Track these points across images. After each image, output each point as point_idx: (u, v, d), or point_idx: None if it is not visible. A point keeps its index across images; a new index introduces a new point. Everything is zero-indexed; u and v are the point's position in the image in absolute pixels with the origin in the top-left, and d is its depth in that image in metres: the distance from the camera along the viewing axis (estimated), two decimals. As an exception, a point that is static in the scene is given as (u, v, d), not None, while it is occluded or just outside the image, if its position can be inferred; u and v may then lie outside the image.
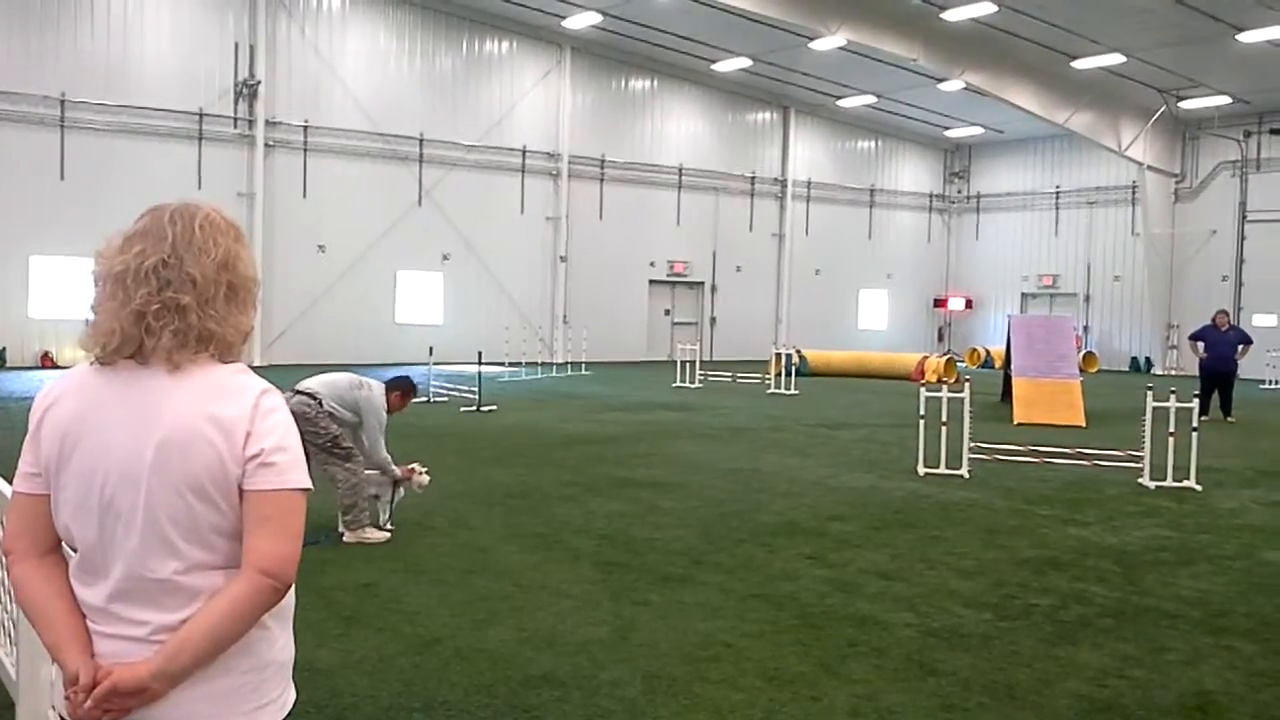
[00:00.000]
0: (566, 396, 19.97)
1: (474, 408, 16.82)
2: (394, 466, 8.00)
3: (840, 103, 35.01)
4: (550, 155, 31.01)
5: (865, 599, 6.45)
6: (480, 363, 19.02)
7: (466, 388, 18.82)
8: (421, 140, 28.53)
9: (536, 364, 25.93)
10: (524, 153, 30.42)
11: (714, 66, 31.72)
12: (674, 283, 34.03)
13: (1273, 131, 32.28)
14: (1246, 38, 25.05)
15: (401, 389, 8.24)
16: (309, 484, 2.08)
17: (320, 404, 7.71)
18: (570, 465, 11.46)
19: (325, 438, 7.63)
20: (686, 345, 25.76)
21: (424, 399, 18.34)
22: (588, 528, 8.30)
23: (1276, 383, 27.49)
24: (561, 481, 10.39)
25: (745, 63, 31.07)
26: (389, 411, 8.06)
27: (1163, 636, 5.85)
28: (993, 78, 29.66)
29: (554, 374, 25.63)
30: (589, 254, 31.53)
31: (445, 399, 18.20)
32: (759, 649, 5.46)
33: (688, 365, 23.61)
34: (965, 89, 30.06)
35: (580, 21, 28.25)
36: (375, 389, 7.99)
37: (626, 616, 5.97)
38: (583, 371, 26.29)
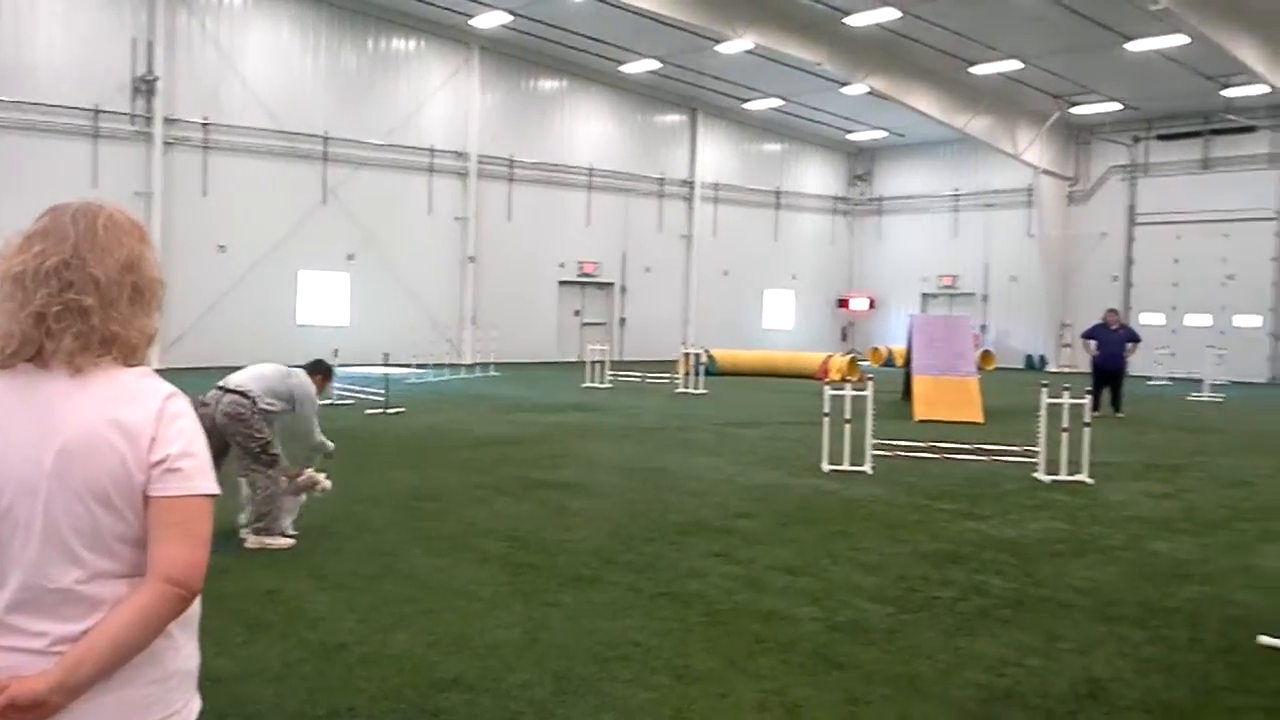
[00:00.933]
0: (475, 398, 19.84)
1: (380, 410, 16.61)
2: (328, 442, 8.16)
3: (747, 106, 35.40)
4: (458, 155, 30.77)
5: (772, 595, 6.55)
6: (387, 364, 18.79)
7: (373, 390, 18.58)
8: (326, 138, 28.06)
9: (444, 365, 25.68)
10: (432, 152, 30.13)
11: (623, 68, 31.81)
12: (584, 283, 34.04)
13: (1160, 137, 33.57)
14: (1134, 47, 25.99)
15: (322, 372, 8.42)
16: (216, 489, 2.05)
17: (255, 403, 7.64)
18: (479, 467, 11.39)
19: (257, 442, 7.60)
20: (596, 346, 25.79)
21: (329, 401, 18.06)
22: (496, 529, 8.27)
23: (1164, 379, 28.57)
24: (470, 483, 10.33)
25: (654, 65, 31.22)
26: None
27: (1057, 626, 6.05)
28: (895, 82, 30.30)
29: (462, 375, 25.44)
30: (498, 254, 31.36)
31: (351, 401, 17.94)
32: (668, 647, 5.51)
33: (597, 366, 23.64)
34: (869, 93, 30.64)
35: (489, 21, 28.08)
36: (303, 375, 8.06)
37: (536, 618, 5.97)
38: (492, 373, 26.15)
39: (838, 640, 5.68)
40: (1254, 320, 31.65)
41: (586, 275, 33.92)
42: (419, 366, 24.52)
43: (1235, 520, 9.44)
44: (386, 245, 29.16)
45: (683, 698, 4.81)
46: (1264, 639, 5.70)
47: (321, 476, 8.00)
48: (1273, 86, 25.98)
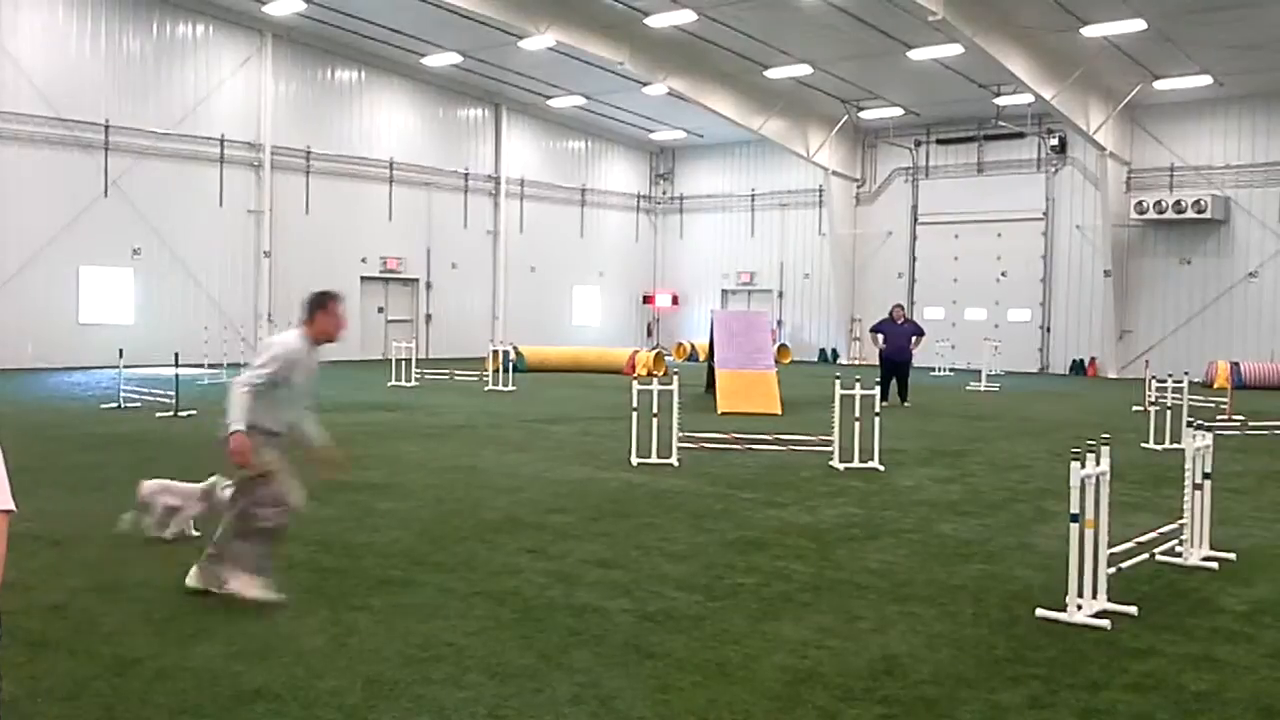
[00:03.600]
0: (274, 399, 19.15)
1: (170, 413, 15.83)
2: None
3: (551, 102, 35.45)
4: (251, 145, 29.59)
5: (585, 588, 6.62)
6: (177, 365, 17.94)
7: (162, 392, 17.66)
8: (107, 127, 26.45)
9: (239, 366, 24.61)
10: (222, 142, 28.85)
11: (424, 60, 31.30)
12: (387, 279, 33.32)
13: (939, 142, 35.56)
14: (916, 55, 27.42)
15: (315, 307, 6.61)
16: (12, 505, 1.95)
17: None
18: (280, 470, 11.02)
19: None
20: (402, 343, 25.30)
21: (115, 404, 17.10)
22: (300, 534, 8.01)
23: (946, 370, 30.32)
24: (271, 487, 9.98)
25: (456, 58, 30.85)
26: (321, 340, 6.69)
27: (855, 607, 6.36)
28: (694, 84, 30.98)
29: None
30: (295, 249, 30.31)
31: (138, 404, 17.02)
32: (482, 646, 5.50)
33: (403, 364, 23.22)
34: (669, 94, 31.20)
35: (282, 8, 27.08)
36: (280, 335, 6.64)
37: (345, 623, 5.85)
38: (291, 372, 25.24)
39: (649, 630, 5.80)
40: (1025, 314, 33.99)
41: (390, 271, 33.23)
42: (212, 367, 23.45)
43: (1013, 502, 10.13)
44: (175, 239, 27.77)
45: (498, 695, 4.82)
46: (1041, 612, 6.16)
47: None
48: (1038, 96, 27.92)
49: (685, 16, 25.98)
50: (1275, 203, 29.90)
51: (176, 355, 18.56)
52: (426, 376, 24.13)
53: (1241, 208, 30.33)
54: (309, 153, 30.84)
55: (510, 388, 21.83)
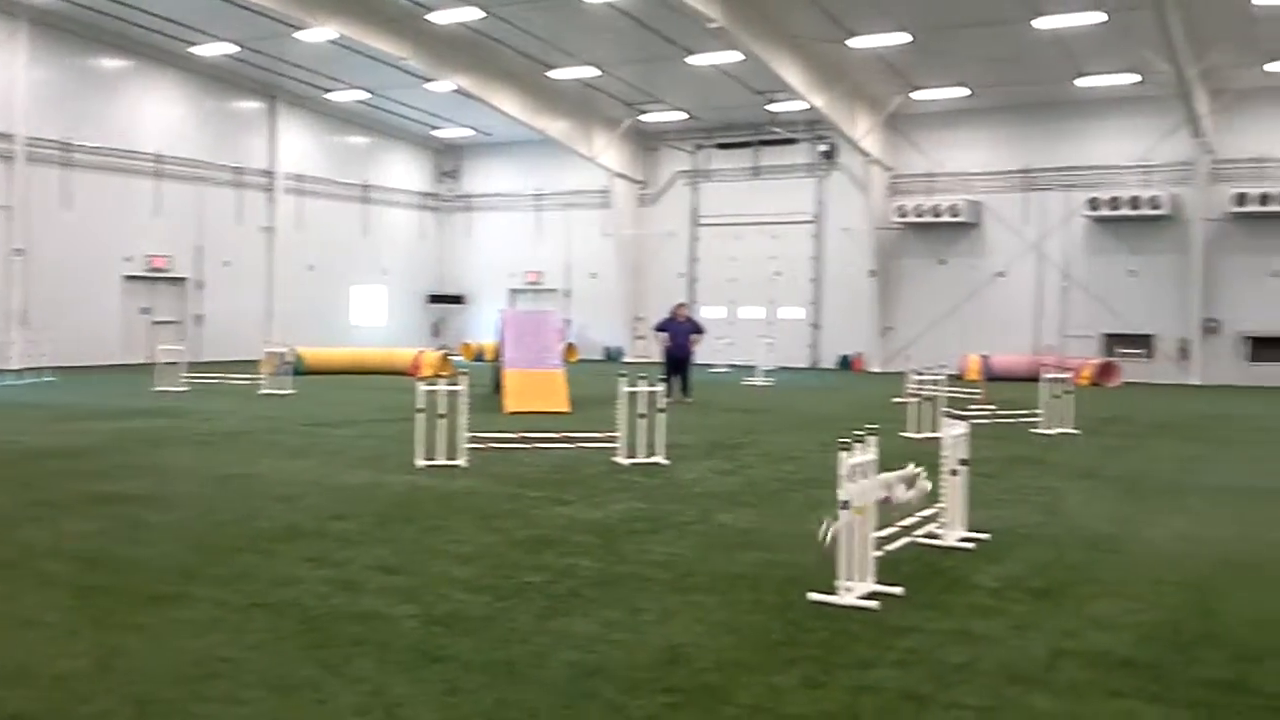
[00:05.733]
0: (27, 406, 17.84)
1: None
2: None
3: (331, 96, 34.45)
4: (2, 135, 27.42)
5: (369, 595, 6.51)
6: (-87, 372, 16.48)
7: (-105, 402, 16.18)
8: None
9: (-13, 371, 22.83)
10: (-36, 131, 26.65)
11: (195, 50, 29.82)
12: (153, 279, 31.54)
13: (719, 146, 36.67)
14: (695, 61, 28.20)
15: None
16: None
17: None
18: (35, 483, 10.29)
19: None
20: (168, 346, 24.01)
21: None
22: (60, 550, 7.54)
23: (725, 366, 31.30)
24: (25, 501, 9.32)
25: (230, 48, 29.56)
26: None
27: (640, 599, 6.50)
28: (480, 82, 30.79)
29: (10, 382, 22.75)
30: (52, 247, 28.30)
31: None
32: (260, 659, 5.32)
33: (171, 367, 22.05)
34: (455, 91, 30.90)
35: (35, -11, 25.27)
36: None
37: (111, 643, 5.53)
38: (46, 378, 23.56)
39: (436, 634, 5.76)
40: (797, 312, 35.57)
41: (156, 270, 31.46)
42: (-46, 373, 21.62)
43: (787, 491, 10.59)
44: (-92, 235, 25.45)
45: (278, 709, 4.68)
46: (813, 595, 6.48)
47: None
48: (810, 104, 29.22)
49: (471, 14, 25.80)
50: (1020, 207, 32.38)
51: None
52: (196, 380, 22.98)
53: (992, 212, 32.68)
54: (68, 144, 28.86)
55: (288, 391, 21.09)
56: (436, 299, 41.12)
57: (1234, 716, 4.74)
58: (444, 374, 22.85)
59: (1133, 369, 29.87)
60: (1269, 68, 26.94)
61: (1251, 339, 29.75)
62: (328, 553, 7.61)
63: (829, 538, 6.52)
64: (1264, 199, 28.58)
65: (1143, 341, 31.01)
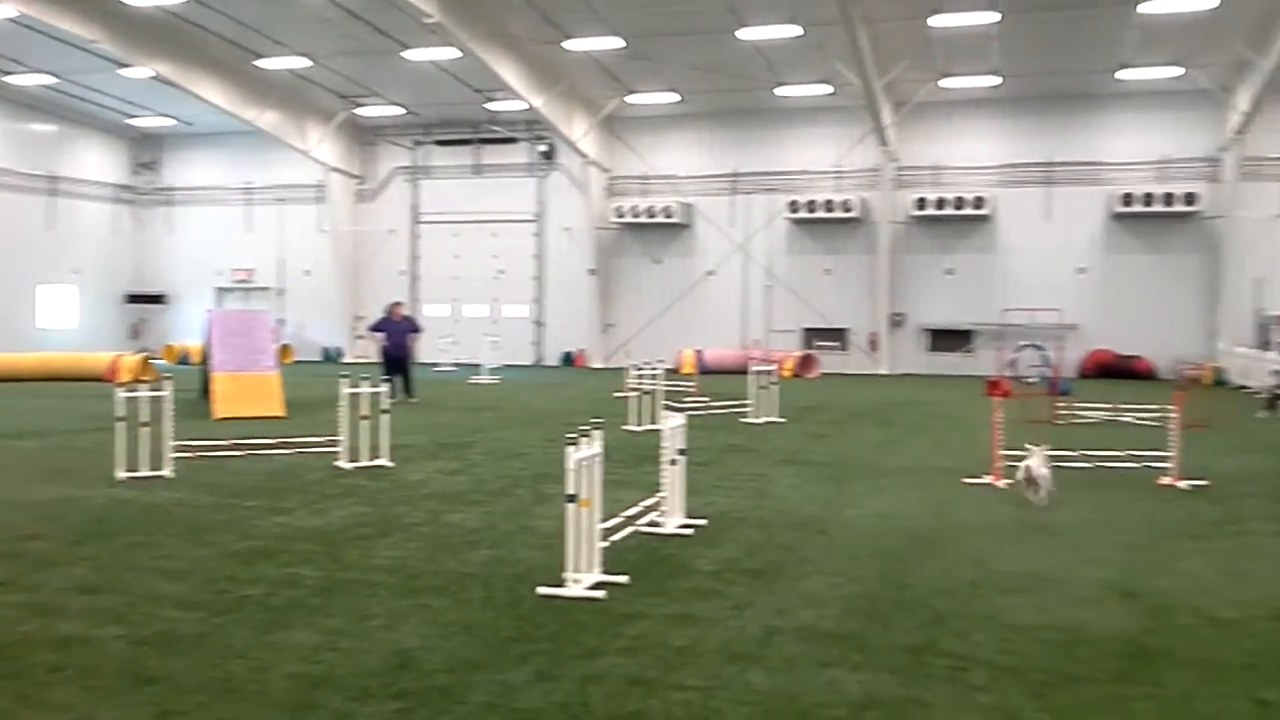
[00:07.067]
0: None
1: None
2: None
3: (11, 79, 31.43)
4: None
5: (68, 618, 6.04)
6: None
7: None
8: None
9: None
10: None
11: None
12: None
13: (438, 143, 36.29)
14: (411, 55, 27.79)
15: None
16: None
17: None
18: None
19: None
20: None
21: None
22: None
23: (449, 365, 31.06)
24: None
25: (-123, 18, 26.36)
26: None
27: (367, 605, 6.37)
28: (181, 69, 29.03)
29: None
30: None
31: None
32: (-59, 696, 4.84)
33: None
34: (154, 78, 28.98)
35: None
36: None
37: None
38: None
39: (146, 654, 5.43)
40: (521, 310, 35.79)
41: None
42: None
43: (514, 488, 10.66)
44: None
45: (-35, 749, 4.28)
46: (542, 590, 6.58)
47: None
48: (528, 104, 29.44)
49: (167, -4, 24.28)
50: (728, 209, 34.00)
51: None
52: None
53: (703, 213, 34.13)
54: None
55: (-37, 401, 19.13)
56: (135, 299, 38.40)
57: (926, 677, 5.22)
58: (145, 379, 21.42)
59: (830, 360, 32.08)
60: (943, 83, 29.62)
61: (931, 331, 32.68)
62: (18, 575, 6.99)
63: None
64: (940, 203, 31.47)
65: (838, 335, 33.38)
